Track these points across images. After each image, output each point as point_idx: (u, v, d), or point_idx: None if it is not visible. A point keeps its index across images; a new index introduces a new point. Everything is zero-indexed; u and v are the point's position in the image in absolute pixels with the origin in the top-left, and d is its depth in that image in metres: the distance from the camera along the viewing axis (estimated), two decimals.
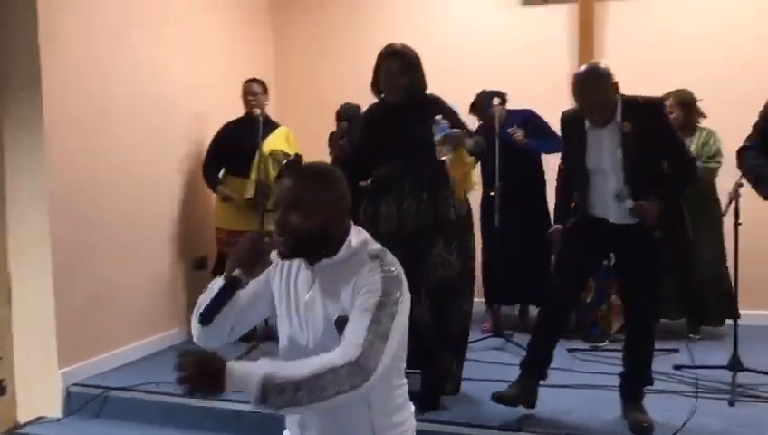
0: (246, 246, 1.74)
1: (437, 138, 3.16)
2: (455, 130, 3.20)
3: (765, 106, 2.95)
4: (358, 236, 1.81)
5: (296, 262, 1.84)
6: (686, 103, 4.45)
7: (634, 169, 3.02)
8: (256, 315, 1.92)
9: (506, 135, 4.46)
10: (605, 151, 3.06)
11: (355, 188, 3.50)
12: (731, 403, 3.33)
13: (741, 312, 4.21)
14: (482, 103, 4.67)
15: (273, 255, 1.80)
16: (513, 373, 3.30)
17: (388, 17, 5.64)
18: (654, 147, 3.02)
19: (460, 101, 4.62)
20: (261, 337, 4.48)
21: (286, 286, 1.85)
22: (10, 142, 3.80)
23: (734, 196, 3.51)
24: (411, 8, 5.62)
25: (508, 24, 5.37)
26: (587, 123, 3.09)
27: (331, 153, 4.68)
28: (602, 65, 3.12)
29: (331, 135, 4.91)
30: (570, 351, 4.22)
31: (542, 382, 3.27)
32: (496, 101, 4.51)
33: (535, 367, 3.26)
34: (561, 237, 3.32)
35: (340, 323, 1.70)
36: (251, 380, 1.53)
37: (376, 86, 3.46)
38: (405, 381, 1.87)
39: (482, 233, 4.66)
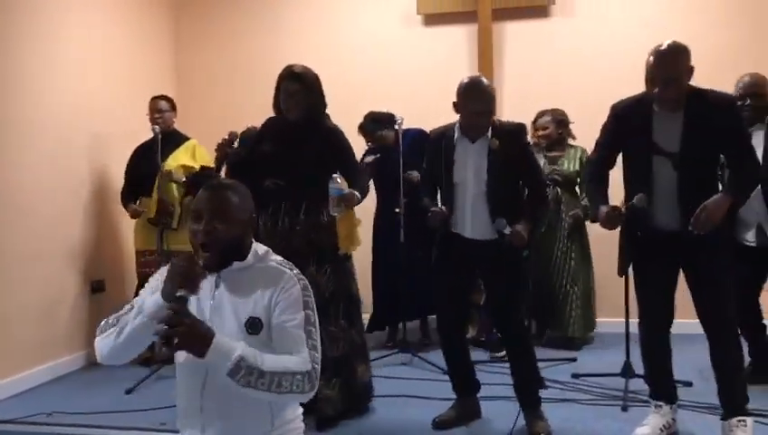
0: (185, 265, 1.77)
1: (332, 196, 3.22)
2: (349, 192, 3.27)
3: (605, 121, 3.16)
4: (260, 245, 1.98)
5: None
6: (562, 121, 4.70)
7: (495, 186, 3.16)
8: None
9: (402, 155, 4.51)
10: (470, 165, 3.19)
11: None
12: (624, 408, 3.47)
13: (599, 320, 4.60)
14: (368, 126, 4.78)
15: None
16: (425, 388, 3.43)
17: (291, 33, 5.64)
18: (514, 167, 3.19)
19: (357, 117, 4.72)
20: (163, 360, 4.35)
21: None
22: None
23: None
24: (315, 24, 5.65)
25: (410, 43, 5.48)
26: (456, 137, 3.22)
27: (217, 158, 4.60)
28: (486, 78, 3.27)
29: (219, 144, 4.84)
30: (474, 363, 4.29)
31: (439, 399, 3.36)
32: (398, 118, 4.55)
33: (465, 384, 3.42)
34: (436, 247, 3.37)
35: (252, 323, 1.86)
36: (230, 354, 1.71)
37: (276, 106, 3.50)
38: None
39: (374, 251, 4.79)
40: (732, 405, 3.02)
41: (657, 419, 3.14)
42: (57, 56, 4.55)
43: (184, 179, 4.56)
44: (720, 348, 3.01)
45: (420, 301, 4.67)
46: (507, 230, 3.12)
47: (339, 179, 3.26)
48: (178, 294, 1.73)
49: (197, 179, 4.35)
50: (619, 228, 3.15)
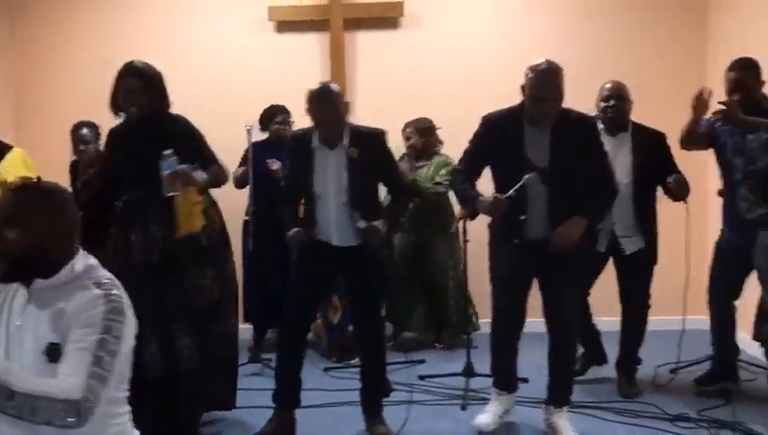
0: None
1: (165, 173, 3.06)
2: (183, 166, 3.11)
3: (475, 132, 3.29)
4: (84, 260, 1.76)
5: (14, 284, 1.75)
6: (424, 130, 4.83)
7: (357, 194, 3.19)
8: None
9: (259, 163, 4.49)
10: (330, 174, 3.21)
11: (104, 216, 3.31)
12: (463, 407, 3.61)
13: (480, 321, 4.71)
14: (264, 118, 4.80)
15: None
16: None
17: (138, 36, 5.40)
18: (374, 173, 3.25)
19: (212, 125, 4.59)
20: None
21: (3, 310, 1.75)
22: None
23: (462, 215, 3.85)
24: (164, 27, 5.47)
25: (261, 50, 5.42)
26: (314, 144, 3.22)
27: (78, 183, 4.37)
28: (334, 85, 3.29)
29: (74, 163, 4.62)
30: (325, 370, 4.33)
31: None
32: (248, 126, 4.53)
33: (287, 397, 3.32)
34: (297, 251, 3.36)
35: (51, 350, 1.65)
36: None
37: (115, 104, 3.30)
38: (126, 409, 1.83)
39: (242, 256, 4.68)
40: (560, 397, 3.30)
41: (496, 406, 3.36)
42: None
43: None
44: (560, 348, 3.27)
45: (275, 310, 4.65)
46: (362, 224, 3.16)
47: (170, 157, 3.05)
48: None
49: None
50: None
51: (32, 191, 1.76)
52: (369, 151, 3.20)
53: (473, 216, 3.46)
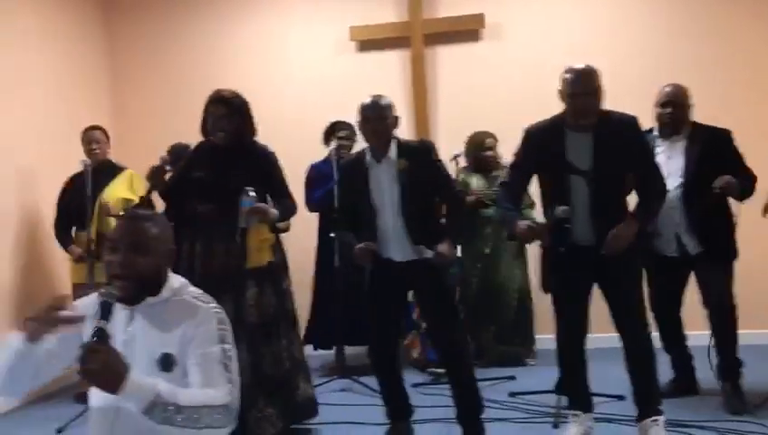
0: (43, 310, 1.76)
1: (244, 208, 3.26)
2: (261, 205, 3.31)
3: (519, 144, 3.28)
4: (177, 278, 1.97)
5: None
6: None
7: (409, 207, 3.19)
8: (62, 362, 1.93)
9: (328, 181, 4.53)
10: (384, 189, 3.22)
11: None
12: (555, 425, 3.50)
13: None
14: (328, 133, 4.82)
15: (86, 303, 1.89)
16: (366, 413, 3.48)
17: (227, 60, 5.64)
18: (426, 185, 3.23)
19: (294, 145, 4.71)
20: None
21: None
22: None
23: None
24: (251, 50, 5.66)
25: (345, 69, 5.51)
26: (367, 160, 3.25)
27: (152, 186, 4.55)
28: (384, 98, 3.30)
29: (152, 169, 4.79)
30: (414, 386, 4.30)
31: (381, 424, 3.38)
32: (333, 144, 4.60)
33: (398, 409, 3.41)
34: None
35: (164, 360, 1.83)
36: (145, 392, 1.67)
37: (204, 129, 3.51)
38: None
39: (316, 274, 4.78)
40: (646, 406, 3.16)
41: (575, 428, 3.25)
42: None
43: (121, 213, 4.49)
44: (633, 353, 3.17)
45: (361, 326, 4.66)
46: (429, 254, 3.17)
47: (251, 193, 3.29)
48: (97, 325, 1.69)
49: None
50: (538, 243, 3.26)
51: (150, 219, 1.95)
52: (417, 164, 3.20)
53: (512, 237, 3.41)
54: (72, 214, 4.57)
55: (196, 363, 1.82)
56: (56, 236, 4.63)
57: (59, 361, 1.92)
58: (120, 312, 1.87)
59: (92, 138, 4.64)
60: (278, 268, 3.54)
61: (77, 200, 4.49)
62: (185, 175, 3.53)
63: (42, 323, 1.79)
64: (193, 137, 4.91)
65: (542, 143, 3.18)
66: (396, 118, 3.28)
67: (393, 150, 3.22)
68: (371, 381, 4.29)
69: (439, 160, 3.34)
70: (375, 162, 3.25)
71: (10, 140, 4.65)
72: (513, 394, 4.05)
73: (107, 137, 4.73)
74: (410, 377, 4.46)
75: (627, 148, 3.10)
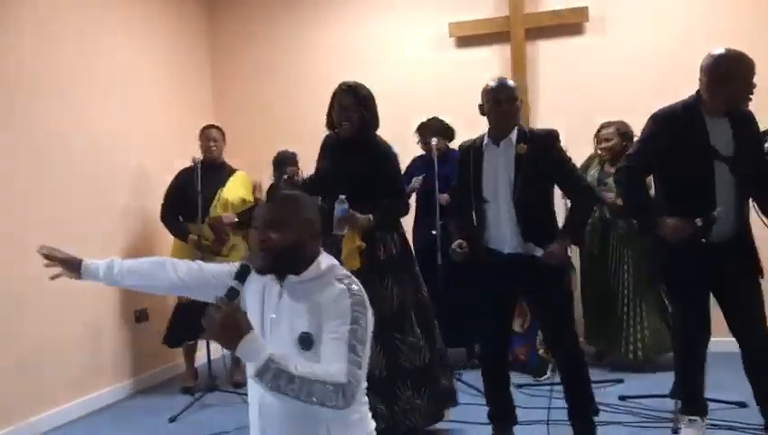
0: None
1: (338, 216, 3.28)
2: (351, 213, 3.29)
3: (648, 130, 3.14)
4: (327, 259, 1.97)
5: (266, 279, 1.96)
6: (626, 134, 4.58)
7: (524, 194, 3.08)
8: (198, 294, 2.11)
9: (449, 171, 4.50)
10: (500, 173, 3.13)
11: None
12: (674, 431, 3.36)
13: None
14: (426, 129, 4.77)
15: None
16: (467, 413, 3.37)
17: (324, 59, 5.70)
18: (545, 174, 3.11)
19: (393, 139, 4.69)
20: (205, 388, 4.38)
21: (259, 304, 1.97)
22: None
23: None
24: (349, 51, 5.69)
25: (443, 67, 5.47)
26: (484, 143, 3.17)
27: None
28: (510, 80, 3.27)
29: (271, 187, 4.91)
30: (518, 387, 4.22)
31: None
32: (434, 141, 4.57)
33: (503, 414, 3.33)
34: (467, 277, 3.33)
35: (304, 339, 1.85)
36: (260, 353, 1.68)
37: (330, 120, 3.52)
38: (365, 399, 2.00)
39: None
40: None
41: (694, 433, 3.13)
42: (97, 86, 4.66)
43: (236, 220, 4.61)
44: (752, 356, 3.04)
45: (462, 328, 4.62)
46: (539, 253, 3.06)
47: (344, 201, 3.29)
48: (230, 284, 1.77)
49: (251, 215, 4.46)
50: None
51: (291, 199, 2.03)
52: (539, 150, 3.08)
53: (645, 232, 3.26)
54: (180, 208, 4.69)
55: (325, 341, 1.82)
56: (168, 228, 4.73)
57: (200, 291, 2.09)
58: (272, 289, 1.95)
59: (210, 136, 4.77)
60: (401, 258, 3.51)
61: (185, 195, 4.61)
62: (319, 171, 3.58)
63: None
64: (290, 136, 5.05)
65: (679, 129, 3.04)
66: (521, 102, 3.20)
67: (514, 135, 3.13)
68: (471, 378, 4.27)
69: (561, 148, 3.21)
70: (493, 145, 3.16)
71: (125, 138, 4.84)
72: (623, 398, 3.91)
73: (223, 136, 4.85)
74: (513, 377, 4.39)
75: (754, 136, 3.04)
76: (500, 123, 3.12)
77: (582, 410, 3.21)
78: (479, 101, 3.22)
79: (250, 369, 1.76)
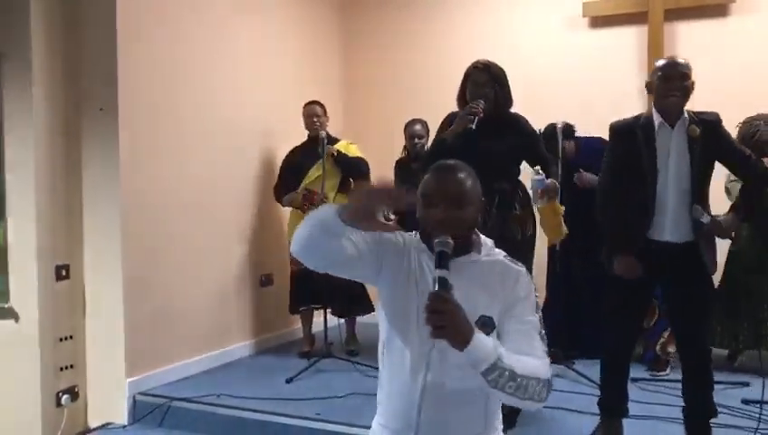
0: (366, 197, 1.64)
1: (536, 188, 3.29)
2: (551, 181, 3.30)
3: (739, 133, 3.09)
4: (481, 235, 1.84)
5: (413, 254, 1.80)
6: None
7: (699, 179, 2.99)
8: (348, 271, 1.81)
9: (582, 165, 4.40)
10: (672, 157, 3.00)
11: None
12: None
13: None
14: (549, 137, 4.58)
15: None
16: (575, 401, 3.38)
17: (455, 40, 5.69)
18: (715, 157, 3.03)
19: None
20: (321, 354, 4.56)
21: (412, 283, 1.78)
22: (87, 161, 4.03)
23: None
24: (479, 32, 5.64)
25: (576, 47, 5.33)
26: (657, 125, 3.02)
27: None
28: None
29: (399, 162, 5.00)
30: (633, 381, 4.10)
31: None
32: (565, 143, 4.47)
33: (617, 408, 3.25)
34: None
35: (484, 322, 1.70)
36: (489, 354, 1.56)
37: (462, 98, 3.49)
38: None
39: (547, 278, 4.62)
40: None
41: None
42: (230, 64, 4.90)
43: (335, 153, 4.74)
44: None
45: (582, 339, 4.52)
46: (705, 219, 2.95)
47: (539, 173, 3.30)
48: (438, 274, 1.58)
49: (348, 161, 4.75)
50: None
51: (468, 172, 1.78)
52: (709, 133, 2.97)
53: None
54: (293, 181, 4.87)
55: (516, 331, 1.71)
56: (276, 198, 4.97)
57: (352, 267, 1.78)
58: (424, 265, 1.78)
59: (313, 112, 4.91)
60: (530, 244, 3.49)
61: (299, 167, 4.83)
62: (439, 143, 3.48)
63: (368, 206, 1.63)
64: (417, 112, 5.06)
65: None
66: (692, 83, 3.04)
67: (686, 116, 3.02)
68: (585, 368, 4.19)
69: (727, 131, 3.10)
70: (666, 126, 3.02)
71: (256, 111, 5.07)
72: (746, 401, 3.72)
73: (325, 111, 4.96)
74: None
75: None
76: (672, 103, 2.99)
77: (701, 411, 3.10)
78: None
79: (458, 358, 1.58)
